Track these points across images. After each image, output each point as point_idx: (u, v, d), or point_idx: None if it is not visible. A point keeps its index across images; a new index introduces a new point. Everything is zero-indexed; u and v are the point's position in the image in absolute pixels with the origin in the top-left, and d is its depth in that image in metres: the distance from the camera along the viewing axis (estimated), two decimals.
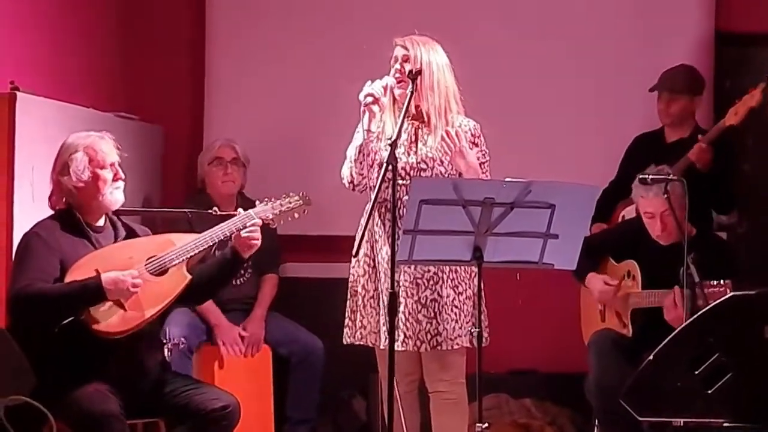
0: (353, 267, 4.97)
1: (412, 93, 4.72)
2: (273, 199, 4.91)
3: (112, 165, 4.73)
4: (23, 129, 5.02)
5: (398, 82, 4.88)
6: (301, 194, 4.93)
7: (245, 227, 4.75)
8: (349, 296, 5.01)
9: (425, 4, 6.43)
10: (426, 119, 4.92)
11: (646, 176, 5.30)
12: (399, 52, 4.92)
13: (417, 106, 4.89)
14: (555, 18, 6.57)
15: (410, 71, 4.79)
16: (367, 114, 4.83)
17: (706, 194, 5.55)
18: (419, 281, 4.86)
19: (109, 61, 6.28)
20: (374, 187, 4.66)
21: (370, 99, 4.82)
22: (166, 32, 6.72)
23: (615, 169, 6.13)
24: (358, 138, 4.90)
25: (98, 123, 5.25)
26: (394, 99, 4.92)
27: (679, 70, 6.05)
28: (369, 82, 4.85)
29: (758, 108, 5.49)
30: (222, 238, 4.74)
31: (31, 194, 5.03)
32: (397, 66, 4.90)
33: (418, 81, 4.79)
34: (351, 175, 4.91)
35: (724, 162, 5.77)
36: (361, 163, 4.88)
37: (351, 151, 4.91)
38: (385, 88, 4.86)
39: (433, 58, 4.90)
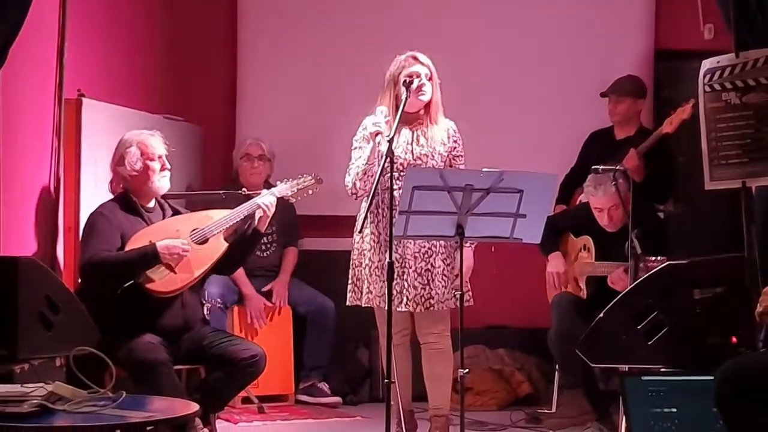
0: (357, 242, 4.94)
1: (406, 99, 4.72)
2: (290, 179, 4.93)
3: (160, 157, 4.74)
4: (88, 128, 5.01)
5: (420, 90, 4.85)
6: (313, 174, 4.93)
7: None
8: (351, 266, 4.97)
9: (416, 24, 6.45)
10: (422, 120, 4.92)
11: (598, 167, 5.31)
12: (422, 69, 4.88)
13: (416, 111, 4.89)
14: (525, 39, 6.57)
15: (404, 81, 4.79)
16: (371, 144, 4.78)
17: (646, 188, 5.55)
18: (416, 255, 4.85)
19: (158, 72, 6.26)
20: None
21: (379, 137, 4.75)
22: (205, 49, 6.69)
23: (573, 161, 6.10)
24: (362, 158, 4.83)
25: (149, 124, 5.23)
26: (396, 107, 4.86)
27: (625, 78, 6.04)
28: (372, 118, 4.80)
29: (689, 119, 5.48)
30: (251, 211, 4.76)
31: (94, 182, 5.03)
32: (424, 80, 4.86)
33: (431, 90, 4.86)
34: (355, 188, 4.85)
35: (662, 165, 5.74)
36: (364, 182, 4.82)
37: (357, 170, 4.83)
38: (388, 123, 4.80)
39: (436, 74, 4.92)
